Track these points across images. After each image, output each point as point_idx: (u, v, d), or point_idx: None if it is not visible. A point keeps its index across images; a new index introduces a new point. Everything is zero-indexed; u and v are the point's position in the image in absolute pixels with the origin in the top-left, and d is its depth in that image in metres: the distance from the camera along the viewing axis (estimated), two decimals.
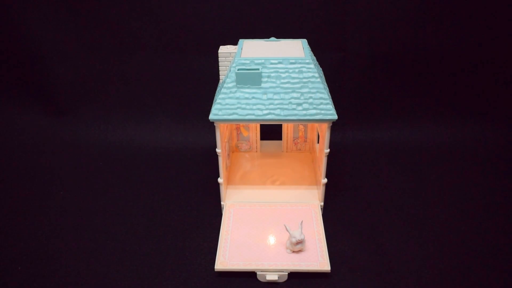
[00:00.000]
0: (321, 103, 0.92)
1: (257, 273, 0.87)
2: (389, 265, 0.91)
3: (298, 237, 0.89)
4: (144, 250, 0.96)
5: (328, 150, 0.98)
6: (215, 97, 0.98)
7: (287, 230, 0.90)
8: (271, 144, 1.31)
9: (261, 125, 1.26)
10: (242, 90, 0.93)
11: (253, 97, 0.93)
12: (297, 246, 0.90)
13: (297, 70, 0.93)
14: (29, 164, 1.31)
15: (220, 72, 1.09)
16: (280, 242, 0.93)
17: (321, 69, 1.05)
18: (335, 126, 1.10)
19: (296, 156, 1.26)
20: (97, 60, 1.40)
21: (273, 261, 0.88)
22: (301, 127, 1.24)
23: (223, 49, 1.07)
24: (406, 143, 1.38)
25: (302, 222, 0.91)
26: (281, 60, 0.93)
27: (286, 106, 0.92)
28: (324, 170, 1.01)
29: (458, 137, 1.38)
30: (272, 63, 0.93)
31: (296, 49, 1.01)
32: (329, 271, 0.86)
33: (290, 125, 1.24)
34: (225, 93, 0.93)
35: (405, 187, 1.17)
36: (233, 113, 0.92)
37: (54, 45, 1.38)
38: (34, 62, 1.41)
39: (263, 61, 0.93)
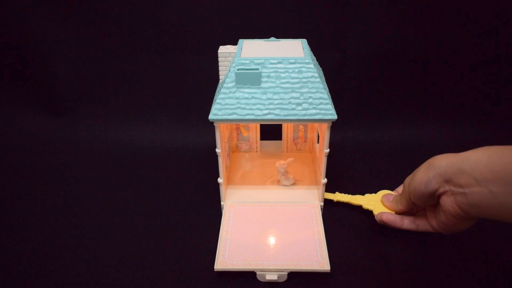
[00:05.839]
0: (321, 103, 0.92)
1: (257, 273, 0.87)
2: (389, 265, 0.91)
3: (283, 164, 1.11)
4: (144, 250, 0.96)
5: (328, 150, 0.98)
6: (215, 97, 0.98)
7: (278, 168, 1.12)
8: (271, 144, 1.31)
9: (261, 125, 1.26)
10: (241, 90, 0.93)
11: (253, 97, 0.92)
12: (282, 172, 1.11)
13: (296, 70, 0.92)
14: (29, 164, 1.31)
15: (220, 72, 1.09)
16: (280, 242, 0.93)
17: (321, 69, 1.05)
18: (335, 126, 1.10)
19: (296, 156, 1.26)
20: (97, 60, 1.40)
21: (273, 261, 0.88)
22: (301, 127, 1.24)
23: (223, 49, 1.07)
24: (406, 143, 1.38)
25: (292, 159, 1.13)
26: (280, 60, 0.93)
27: (285, 106, 0.92)
28: (324, 170, 1.01)
29: (458, 137, 1.38)
30: (271, 63, 0.93)
31: (295, 49, 1.01)
32: (329, 271, 0.86)
33: (290, 125, 1.24)
34: (224, 93, 0.93)
35: None
36: (233, 113, 0.92)
37: (54, 45, 1.38)
38: (34, 62, 1.41)
39: (262, 61, 0.93)
